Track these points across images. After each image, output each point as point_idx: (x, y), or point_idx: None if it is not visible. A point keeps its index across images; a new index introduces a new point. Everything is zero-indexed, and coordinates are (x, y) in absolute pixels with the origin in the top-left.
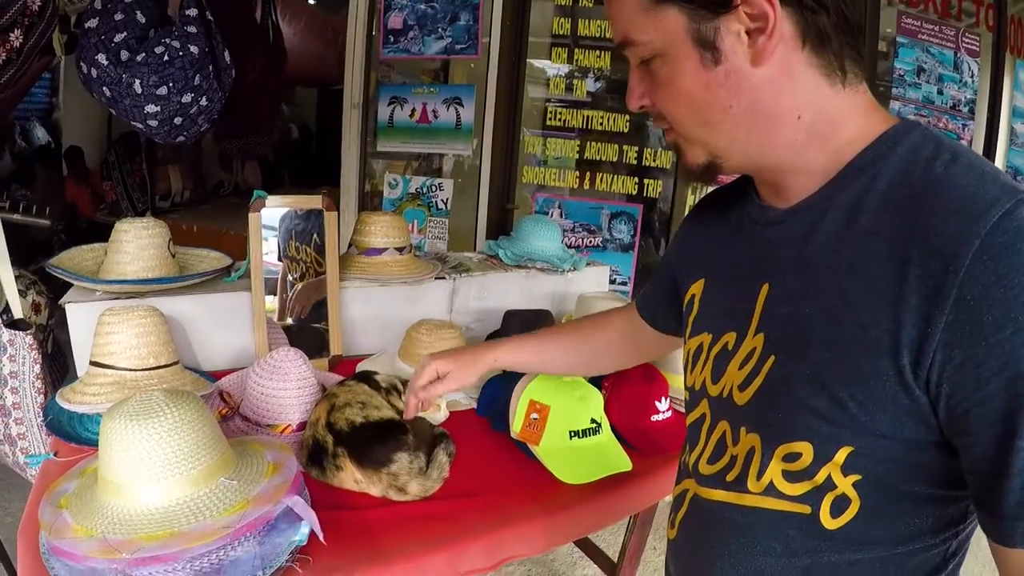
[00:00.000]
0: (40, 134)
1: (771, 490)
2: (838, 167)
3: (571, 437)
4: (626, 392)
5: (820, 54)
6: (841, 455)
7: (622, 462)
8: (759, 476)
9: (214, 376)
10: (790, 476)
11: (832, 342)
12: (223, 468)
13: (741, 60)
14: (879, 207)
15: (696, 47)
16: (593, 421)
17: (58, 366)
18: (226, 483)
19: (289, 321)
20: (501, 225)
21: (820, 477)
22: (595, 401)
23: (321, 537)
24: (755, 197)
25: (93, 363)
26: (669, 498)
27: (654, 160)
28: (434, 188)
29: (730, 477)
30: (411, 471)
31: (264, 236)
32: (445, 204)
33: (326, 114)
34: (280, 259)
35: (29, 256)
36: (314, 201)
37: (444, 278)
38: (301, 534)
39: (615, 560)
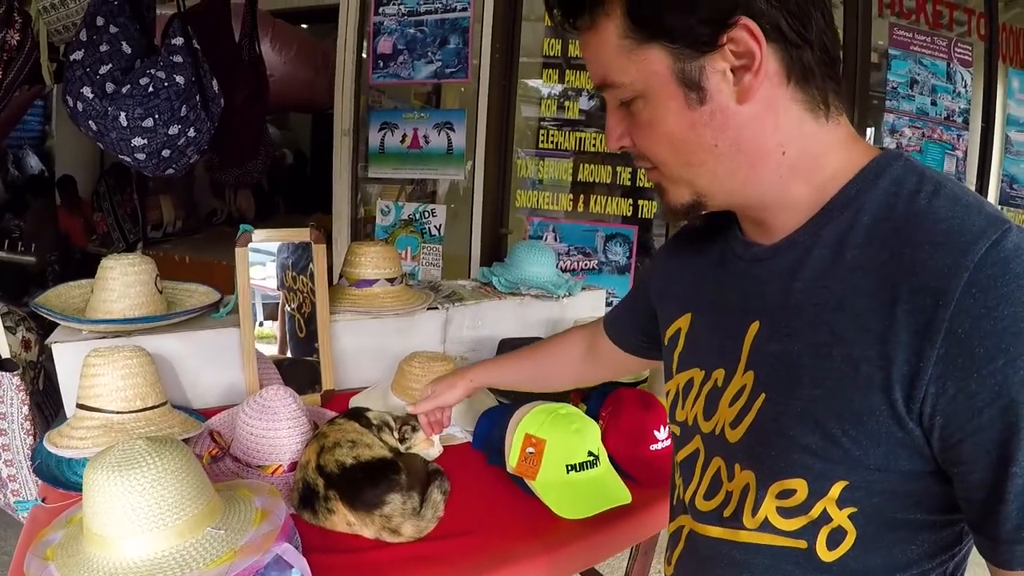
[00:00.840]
0: (33, 162)
1: (766, 526)
2: (822, 202)
3: (568, 471)
4: (624, 421)
5: (804, 89)
6: (836, 490)
7: (621, 495)
8: (754, 512)
9: (204, 415)
10: (785, 512)
11: (822, 379)
12: (209, 517)
13: (727, 98)
14: (864, 241)
15: (681, 87)
16: (590, 454)
17: (50, 403)
18: (213, 533)
19: (279, 354)
20: (495, 250)
21: (815, 512)
22: (592, 433)
23: None
24: (738, 232)
25: (80, 406)
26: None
27: (648, 181)
28: (427, 214)
29: (727, 513)
30: (404, 512)
31: (263, 261)
32: (438, 230)
33: (320, 139)
34: (279, 288)
35: (21, 289)
36: (302, 234)
37: (437, 308)
38: None
39: None
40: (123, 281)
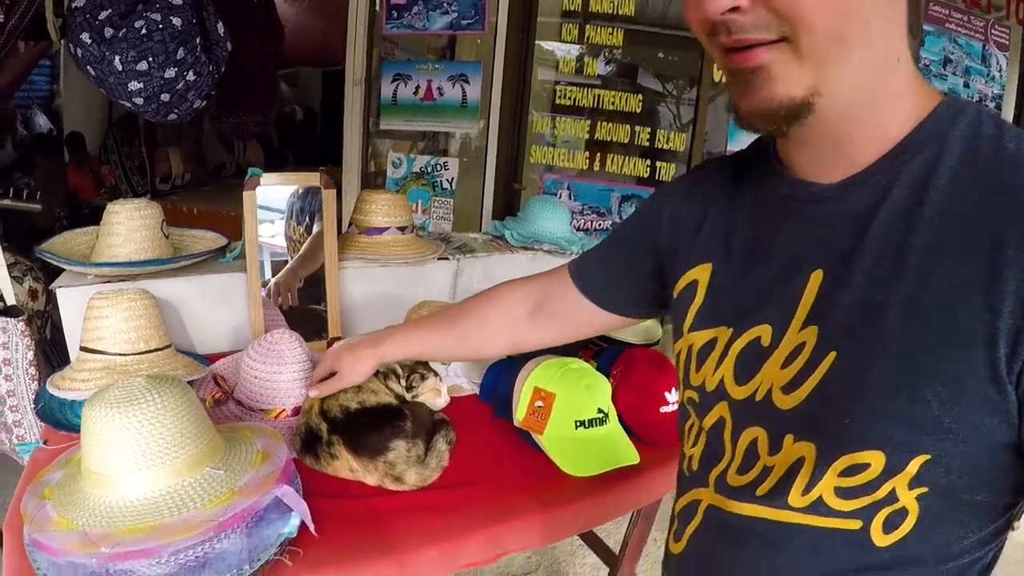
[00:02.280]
0: (42, 121)
1: (818, 506)
2: (897, 138)
3: (577, 427)
4: (635, 381)
5: (914, 8)
6: (914, 465)
7: (630, 455)
8: (806, 491)
9: (209, 360)
10: (845, 492)
11: (914, 333)
12: (209, 457)
13: None
14: (950, 184)
15: None
16: (600, 411)
17: (57, 352)
18: (212, 473)
19: (289, 302)
20: (508, 206)
21: (882, 491)
22: (603, 390)
23: (312, 529)
24: (779, 169)
25: (83, 348)
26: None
27: (667, 142)
28: (439, 167)
29: (762, 491)
30: (408, 460)
31: (271, 218)
32: (450, 184)
33: (330, 96)
34: (284, 239)
35: (31, 242)
36: (311, 179)
37: (447, 259)
38: (291, 526)
39: (616, 551)
40: (128, 226)
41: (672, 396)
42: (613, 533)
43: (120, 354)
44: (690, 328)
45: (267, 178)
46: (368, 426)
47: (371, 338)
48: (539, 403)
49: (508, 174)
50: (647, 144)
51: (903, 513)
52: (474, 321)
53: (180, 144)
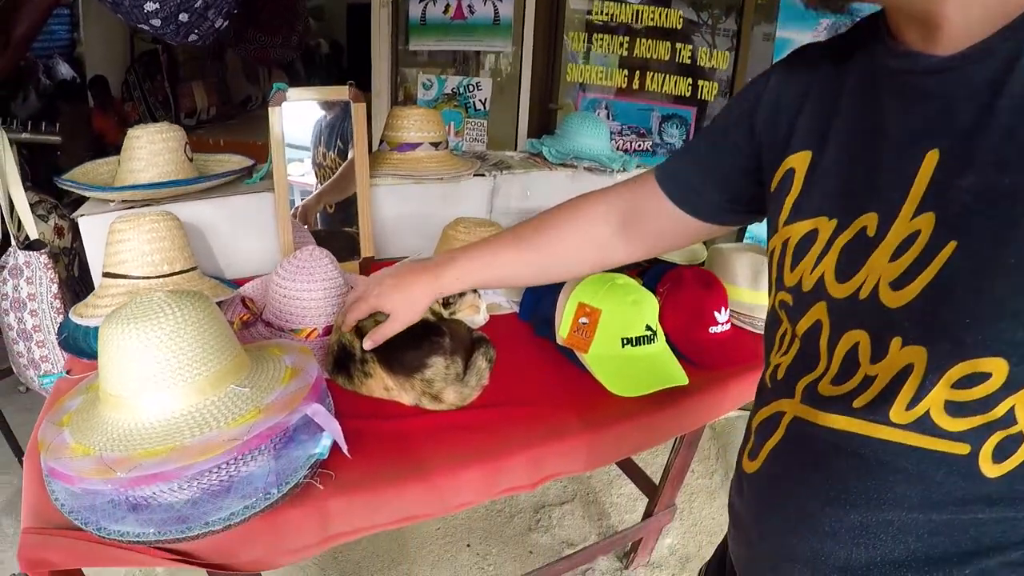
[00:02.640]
0: (64, 70)
1: (923, 423)
2: (1021, 6)
3: (623, 345)
4: (683, 299)
5: None
6: None
7: (678, 375)
8: (912, 404)
9: (237, 284)
10: (957, 408)
11: None
12: (233, 374)
13: None
14: None
15: None
16: (648, 328)
17: (85, 289)
18: (236, 391)
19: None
20: (543, 127)
21: (999, 410)
22: (650, 306)
23: (345, 450)
24: (889, 43)
25: (106, 274)
26: (724, 418)
27: (709, 60)
28: (471, 88)
29: (859, 403)
30: (447, 377)
31: (300, 156)
32: (483, 104)
33: (356, 29)
34: (312, 164)
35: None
36: (340, 92)
37: (484, 175)
38: (322, 447)
39: (655, 481)
40: (150, 150)
41: (722, 316)
42: (649, 463)
43: (143, 277)
44: (786, 220)
45: (293, 93)
46: (404, 342)
47: (423, 268)
48: (584, 319)
49: (543, 94)
50: (688, 62)
51: (1018, 439)
52: (554, 242)
53: (204, 78)
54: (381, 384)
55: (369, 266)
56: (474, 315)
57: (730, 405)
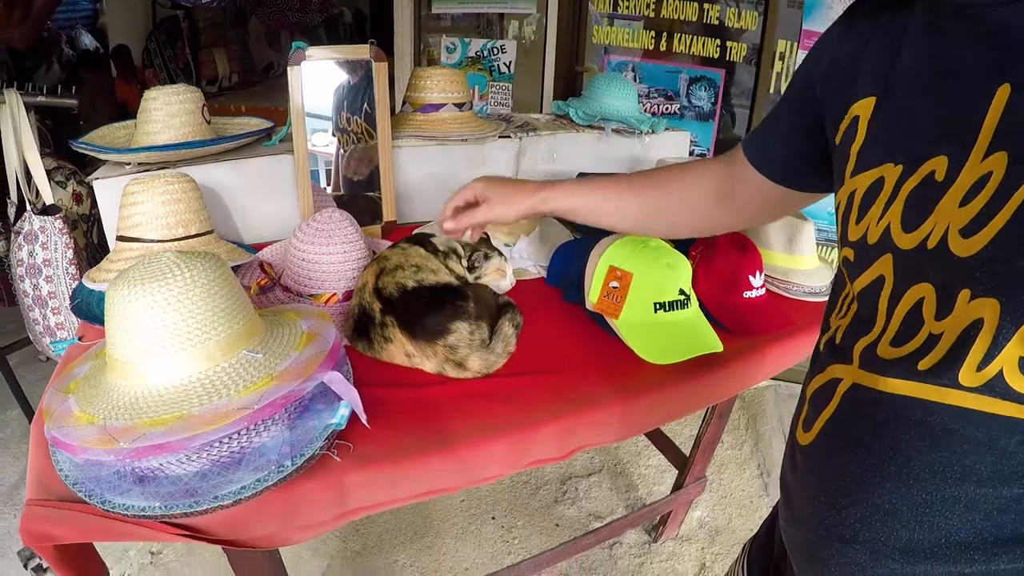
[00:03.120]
0: (87, 41)
1: (995, 385)
2: None
3: (656, 310)
4: (717, 263)
5: None
6: None
7: (712, 342)
8: (982, 364)
9: (256, 249)
10: None
11: None
12: (246, 339)
13: None
14: None
15: None
16: (682, 292)
17: (103, 256)
18: (248, 357)
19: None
20: (570, 90)
21: None
22: (684, 270)
23: (364, 420)
24: None
25: (119, 238)
26: (754, 387)
27: (738, 20)
28: (496, 51)
29: (924, 364)
30: (472, 343)
31: (323, 127)
32: (508, 67)
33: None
34: (333, 132)
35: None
36: (361, 51)
37: (509, 137)
38: (339, 416)
39: (685, 452)
40: (167, 111)
41: (757, 281)
42: (678, 434)
43: (157, 240)
44: (852, 171)
45: (313, 51)
46: (426, 305)
47: (529, 182)
48: (614, 283)
49: (569, 56)
50: (716, 22)
51: None
52: (673, 192)
53: (225, 46)
54: (402, 350)
55: (391, 230)
56: (500, 280)
57: (766, 373)
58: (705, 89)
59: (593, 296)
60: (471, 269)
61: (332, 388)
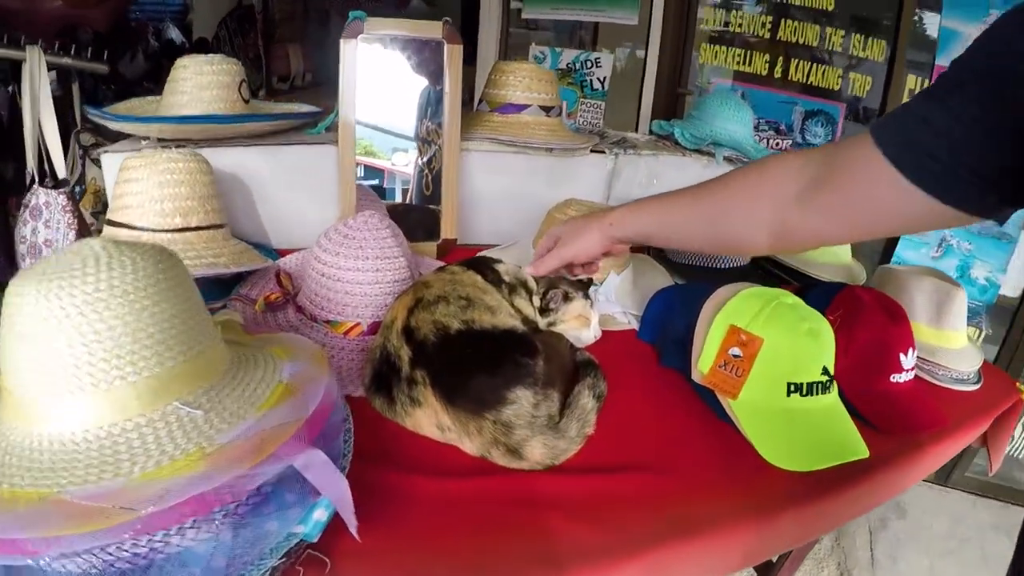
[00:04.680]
0: (174, 35)
1: None
2: None
3: (790, 392)
4: (861, 334)
5: None
6: None
7: (857, 443)
8: None
9: (280, 254)
10: None
11: None
12: (187, 382)
13: None
14: None
15: None
16: (825, 372)
17: None
18: (180, 412)
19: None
20: (670, 114)
21: None
22: (829, 341)
23: (353, 528)
24: None
25: (107, 221)
26: None
27: (863, 49)
28: (590, 64)
29: None
30: (535, 421)
31: (405, 147)
32: (602, 83)
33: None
34: (414, 138)
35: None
36: (432, 28)
37: (604, 152)
38: (312, 523)
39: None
40: (196, 82)
41: (908, 360)
42: None
43: (148, 229)
44: None
45: (373, 23)
46: (475, 359)
47: (590, 213)
48: (736, 351)
49: (671, 75)
50: (840, 49)
51: None
52: (732, 192)
53: (302, 41)
54: (433, 420)
55: (450, 251)
56: (581, 329)
57: (912, 480)
58: (822, 125)
59: (705, 365)
60: (544, 311)
61: (306, 475)
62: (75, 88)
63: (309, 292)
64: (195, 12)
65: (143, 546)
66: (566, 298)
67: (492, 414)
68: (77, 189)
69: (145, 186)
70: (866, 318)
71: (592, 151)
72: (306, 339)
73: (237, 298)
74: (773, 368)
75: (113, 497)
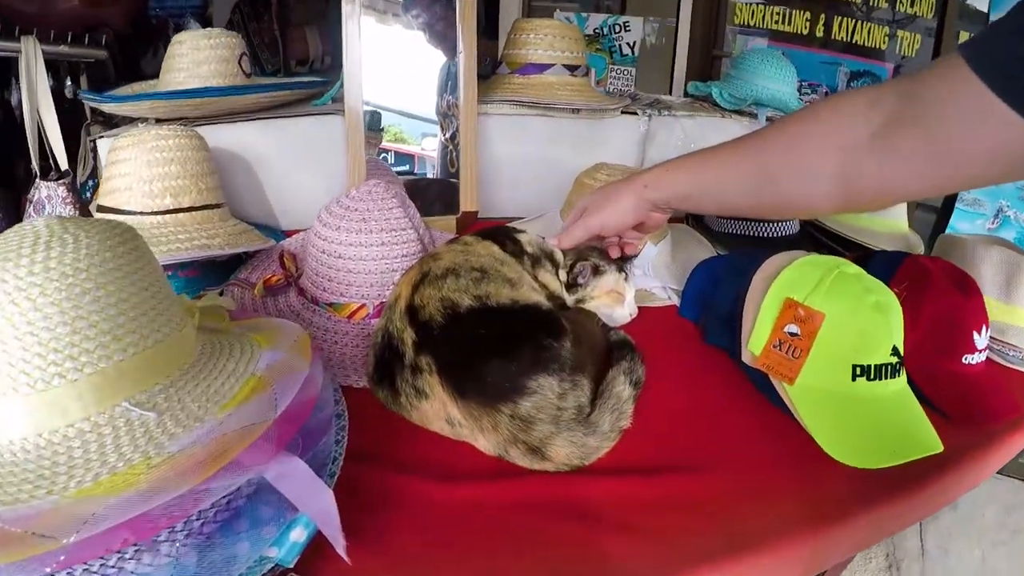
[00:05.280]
0: (193, 27)
1: None
2: None
3: (856, 376)
4: (928, 308)
5: None
6: None
7: (929, 436)
8: None
9: (288, 235)
10: None
11: None
12: (140, 378)
13: None
14: None
15: None
16: (895, 352)
17: None
18: (129, 414)
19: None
20: (706, 77)
21: None
22: (897, 316)
23: (341, 548)
24: None
25: (97, 208)
26: None
27: (911, 6)
28: (618, 28)
29: None
30: (560, 414)
31: (433, 132)
32: (632, 49)
33: None
34: (436, 114)
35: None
36: None
37: (636, 114)
38: (287, 546)
39: None
40: (193, 58)
41: (981, 339)
42: None
43: (138, 212)
44: None
45: None
46: (489, 342)
47: (622, 178)
48: (792, 328)
49: (705, 37)
50: (886, 4)
51: None
52: (786, 141)
53: (319, 23)
54: (442, 413)
55: (471, 224)
56: (614, 306)
57: (979, 479)
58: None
59: (757, 344)
60: (571, 286)
61: (277, 486)
62: (83, 80)
63: (311, 273)
64: (214, 5)
65: (95, 572)
66: (596, 271)
67: (509, 407)
68: (90, 183)
69: (133, 167)
70: (935, 291)
71: (623, 112)
72: (293, 324)
73: (235, 283)
74: (836, 348)
75: (34, 522)
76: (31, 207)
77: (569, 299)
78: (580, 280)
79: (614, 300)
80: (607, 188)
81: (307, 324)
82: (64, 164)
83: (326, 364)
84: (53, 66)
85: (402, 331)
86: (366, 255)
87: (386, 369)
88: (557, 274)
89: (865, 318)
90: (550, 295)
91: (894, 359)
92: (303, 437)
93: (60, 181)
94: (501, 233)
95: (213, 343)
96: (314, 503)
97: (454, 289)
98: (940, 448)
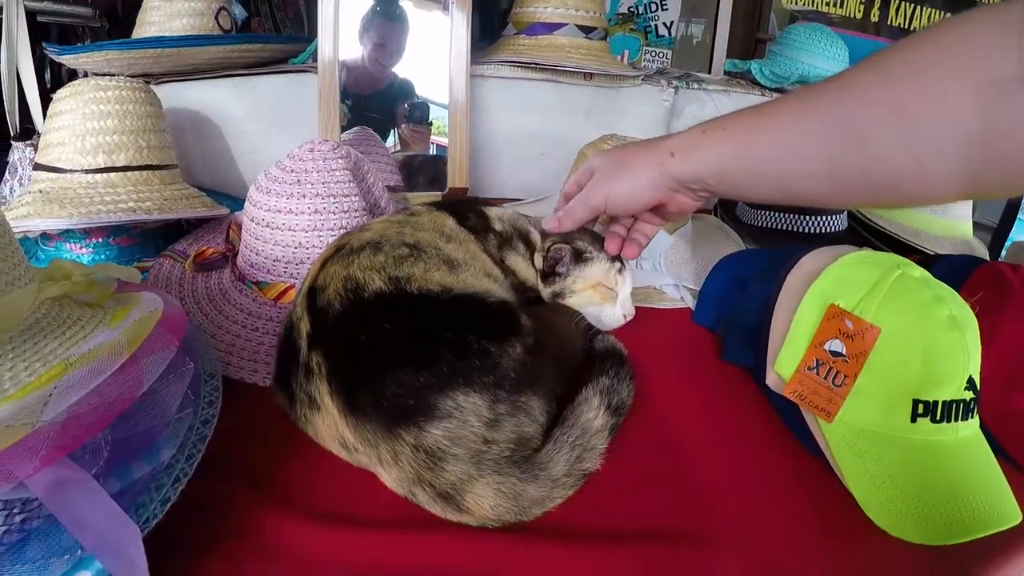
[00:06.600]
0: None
1: None
2: None
3: (916, 416)
4: (1008, 329)
5: None
6: None
7: (1006, 502)
8: None
9: None
10: None
11: None
12: None
13: None
14: None
15: None
16: (970, 386)
17: None
18: None
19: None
20: (747, 59)
21: None
22: (975, 336)
23: None
24: None
25: (35, 165)
26: None
27: None
28: (654, 7)
29: None
30: (485, 450)
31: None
32: (668, 29)
33: None
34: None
35: None
36: None
37: (660, 87)
38: None
39: None
40: (165, 11)
41: None
42: None
43: (69, 170)
44: None
45: None
46: (394, 341)
47: (647, 141)
48: (836, 344)
49: (748, 17)
50: None
51: None
52: (886, 84)
53: None
54: (334, 431)
55: None
56: (603, 304)
57: None
58: None
59: (788, 364)
60: (547, 276)
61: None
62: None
63: (243, 247)
64: None
65: None
66: (579, 257)
67: (411, 433)
68: None
69: (69, 119)
70: (1017, 306)
71: (644, 80)
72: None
73: (168, 254)
74: (894, 376)
75: None
76: (6, 171)
77: (544, 291)
78: (559, 268)
79: (603, 296)
80: (623, 150)
81: (233, 306)
82: (40, 125)
83: (203, 350)
84: (44, 30)
85: (299, 319)
86: (296, 224)
87: (284, 368)
88: (532, 259)
89: (936, 337)
90: (519, 284)
91: (969, 394)
92: (118, 445)
93: (28, 143)
94: (464, 205)
95: (54, 317)
96: (109, 540)
97: (366, 267)
98: (1019, 519)
